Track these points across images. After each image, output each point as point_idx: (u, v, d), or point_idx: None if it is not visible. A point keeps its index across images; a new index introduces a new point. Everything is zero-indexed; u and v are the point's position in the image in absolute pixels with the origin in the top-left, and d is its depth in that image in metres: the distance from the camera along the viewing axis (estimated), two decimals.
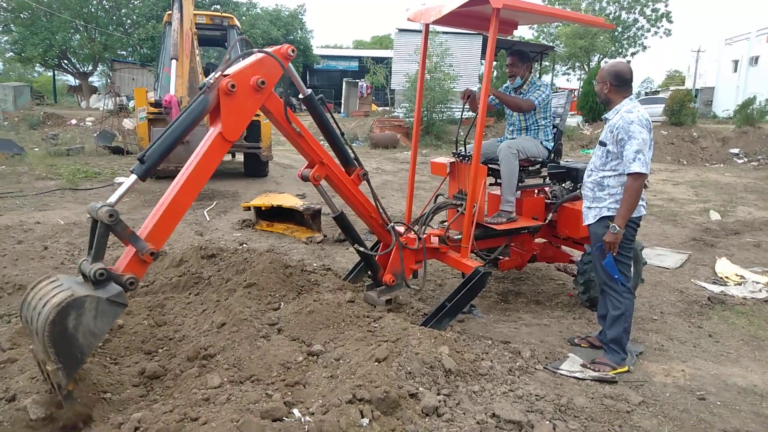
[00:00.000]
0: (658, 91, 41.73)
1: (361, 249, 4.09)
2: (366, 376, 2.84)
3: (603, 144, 3.52)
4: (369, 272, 4.29)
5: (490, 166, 4.75)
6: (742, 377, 3.60)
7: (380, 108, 27.60)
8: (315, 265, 5.30)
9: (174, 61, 8.05)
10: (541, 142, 4.75)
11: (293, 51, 3.39)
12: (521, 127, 4.83)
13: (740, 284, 5.65)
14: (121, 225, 2.63)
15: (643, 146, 3.31)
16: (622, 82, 3.49)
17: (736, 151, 19.17)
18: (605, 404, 3.07)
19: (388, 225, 4.16)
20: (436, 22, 4.29)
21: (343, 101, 28.52)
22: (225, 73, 3.14)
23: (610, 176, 3.48)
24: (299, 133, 3.61)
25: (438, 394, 2.93)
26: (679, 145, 20.09)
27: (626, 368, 3.57)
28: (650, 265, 6.08)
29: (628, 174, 3.34)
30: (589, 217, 3.59)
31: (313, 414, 2.61)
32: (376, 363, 3.03)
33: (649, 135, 3.37)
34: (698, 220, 8.73)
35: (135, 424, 2.42)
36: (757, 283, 5.60)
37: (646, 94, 44.18)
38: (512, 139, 4.80)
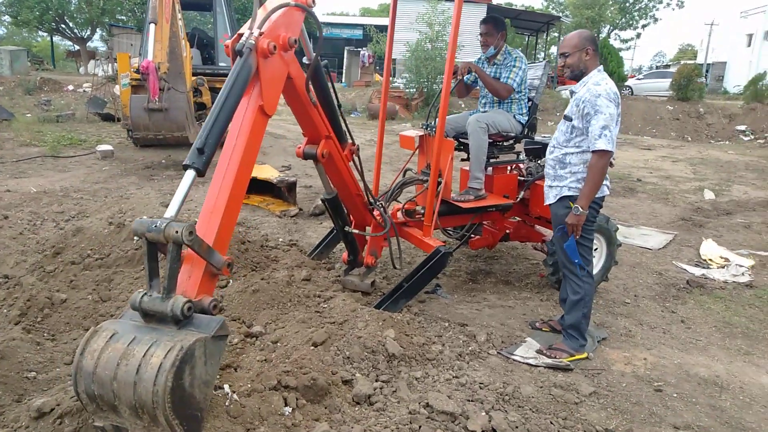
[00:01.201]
0: (669, 65, 40.73)
1: (355, 231, 3.99)
2: (298, 361, 2.69)
3: (568, 118, 3.29)
4: (349, 255, 4.12)
5: (460, 140, 4.55)
6: (706, 367, 3.43)
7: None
8: (280, 240, 5.15)
9: (152, 25, 7.75)
10: (514, 116, 4.52)
11: (314, 1, 2.89)
12: (494, 99, 4.59)
13: (723, 267, 5.45)
14: (197, 241, 2.13)
15: (609, 122, 3.09)
16: (597, 47, 3.26)
17: (742, 128, 18.74)
18: (553, 394, 2.91)
19: (373, 204, 4.01)
20: None
21: (344, 70, 27.95)
22: (259, 30, 2.53)
23: (572, 153, 3.26)
24: (314, 104, 3.16)
25: (376, 381, 2.80)
26: (685, 120, 19.68)
27: (585, 355, 3.41)
28: (632, 246, 5.90)
29: (593, 152, 3.12)
30: (550, 197, 3.38)
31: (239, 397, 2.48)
32: (313, 347, 2.90)
33: (616, 110, 3.15)
34: (691, 199, 8.48)
35: (34, 414, 2.29)
36: (741, 266, 5.39)
37: (656, 68, 43.17)
38: (484, 112, 4.57)
